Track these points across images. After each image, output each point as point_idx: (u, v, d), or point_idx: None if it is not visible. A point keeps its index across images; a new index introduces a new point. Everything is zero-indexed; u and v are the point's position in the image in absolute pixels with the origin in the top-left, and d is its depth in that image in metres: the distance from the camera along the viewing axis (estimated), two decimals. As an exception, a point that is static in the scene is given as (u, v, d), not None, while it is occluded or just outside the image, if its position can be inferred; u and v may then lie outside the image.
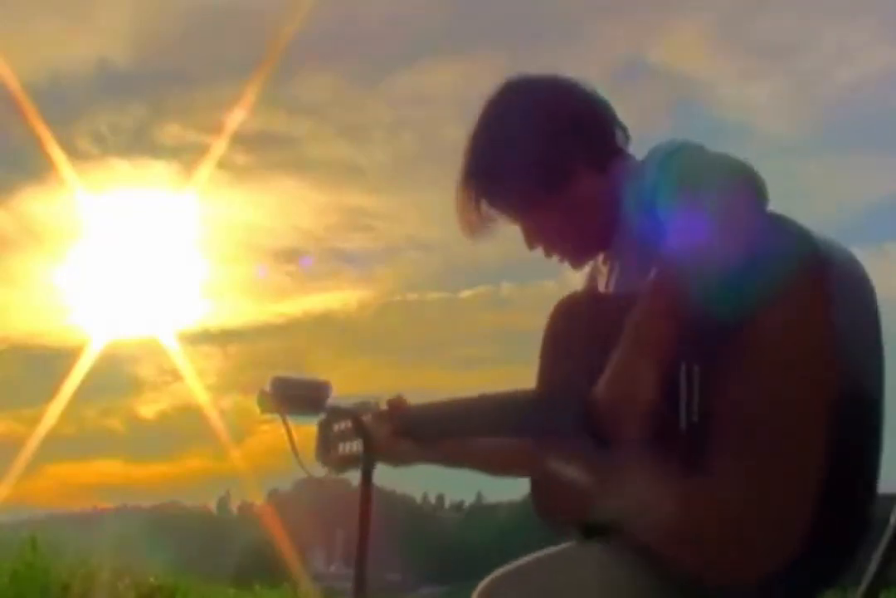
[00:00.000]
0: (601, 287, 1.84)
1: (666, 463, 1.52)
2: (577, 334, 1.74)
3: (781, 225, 1.51)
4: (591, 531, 1.67)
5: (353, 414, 1.91)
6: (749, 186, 1.53)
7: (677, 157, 1.63)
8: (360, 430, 1.89)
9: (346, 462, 1.98)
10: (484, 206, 1.80)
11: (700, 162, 1.61)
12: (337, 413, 1.95)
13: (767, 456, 1.43)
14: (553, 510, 1.77)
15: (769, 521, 1.42)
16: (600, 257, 1.86)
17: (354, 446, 1.95)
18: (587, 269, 1.93)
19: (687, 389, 1.51)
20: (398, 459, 1.94)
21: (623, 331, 1.57)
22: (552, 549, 1.73)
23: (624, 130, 1.80)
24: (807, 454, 1.41)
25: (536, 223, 1.79)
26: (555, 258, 1.83)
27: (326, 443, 2.03)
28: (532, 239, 1.81)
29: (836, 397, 1.42)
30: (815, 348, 1.44)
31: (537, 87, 1.81)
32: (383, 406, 1.95)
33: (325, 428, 2.04)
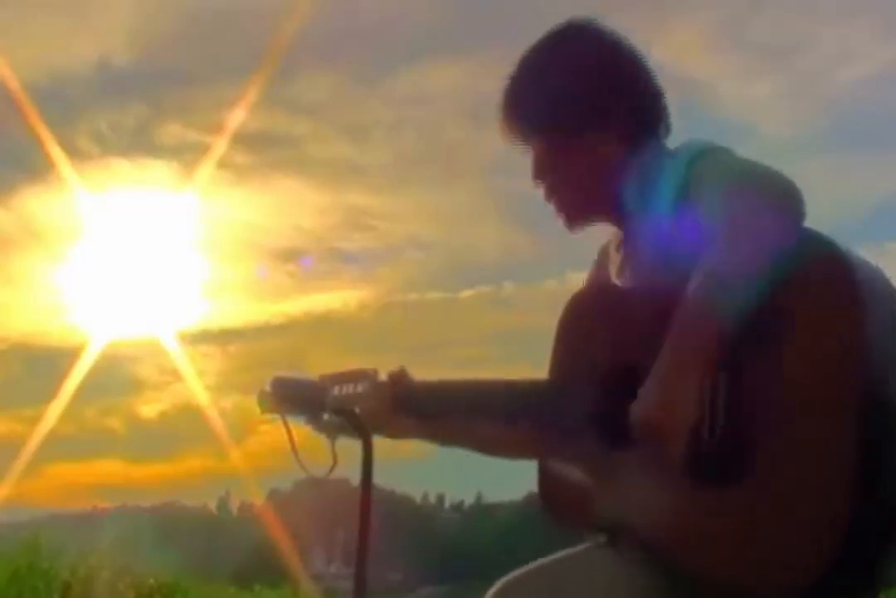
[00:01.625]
0: (614, 279, 1.81)
1: (691, 468, 1.49)
2: (589, 327, 1.72)
3: (806, 232, 1.49)
4: (603, 530, 1.65)
5: (348, 411, 1.89)
6: (780, 192, 1.51)
7: (707, 158, 1.62)
8: (358, 428, 1.88)
9: (339, 428, 1.91)
10: (512, 121, 1.78)
11: (730, 165, 1.59)
12: (337, 412, 1.93)
13: (797, 462, 1.41)
14: (562, 509, 1.74)
15: (799, 528, 1.39)
16: (611, 247, 1.85)
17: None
18: (591, 267, 1.92)
19: (712, 396, 1.48)
20: (394, 432, 1.89)
21: (638, 326, 1.57)
22: (563, 552, 1.71)
23: (668, 120, 1.78)
24: (837, 460, 1.38)
25: (550, 158, 1.77)
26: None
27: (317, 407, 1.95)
28: (540, 172, 1.79)
29: (867, 401, 1.39)
30: (844, 352, 1.42)
31: (609, 36, 1.80)
32: (383, 377, 1.91)
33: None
